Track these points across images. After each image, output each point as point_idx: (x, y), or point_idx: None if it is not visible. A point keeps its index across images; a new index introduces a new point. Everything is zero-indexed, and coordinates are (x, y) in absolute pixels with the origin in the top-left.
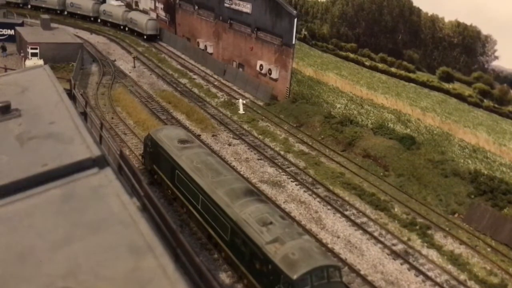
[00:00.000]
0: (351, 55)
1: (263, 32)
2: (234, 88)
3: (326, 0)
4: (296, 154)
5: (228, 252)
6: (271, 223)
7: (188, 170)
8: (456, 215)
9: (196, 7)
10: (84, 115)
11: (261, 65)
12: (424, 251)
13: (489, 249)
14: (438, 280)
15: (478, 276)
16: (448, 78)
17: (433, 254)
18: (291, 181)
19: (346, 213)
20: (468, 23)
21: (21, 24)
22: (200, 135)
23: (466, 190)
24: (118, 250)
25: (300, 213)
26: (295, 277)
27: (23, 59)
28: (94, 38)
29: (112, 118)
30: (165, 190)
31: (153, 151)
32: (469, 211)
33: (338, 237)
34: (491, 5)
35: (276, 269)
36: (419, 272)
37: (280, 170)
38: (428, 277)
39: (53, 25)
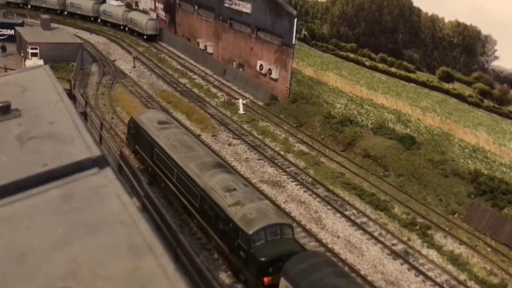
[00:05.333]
0: (351, 55)
1: (263, 32)
2: (234, 88)
3: (326, 0)
4: (296, 154)
5: (198, 218)
6: (234, 189)
7: (165, 147)
8: (456, 215)
9: (196, 7)
10: (84, 115)
11: (261, 65)
12: (424, 251)
13: (489, 249)
14: (438, 280)
15: (478, 276)
16: (448, 78)
17: (433, 254)
18: (291, 181)
19: (346, 213)
20: (468, 23)
21: (21, 24)
22: (200, 135)
23: (466, 190)
24: (118, 250)
25: (300, 213)
26: (250, 232)
27: (23, 59)
28: (94, 38)
29: (112, 118)
30: (146, 168)
31: (135, 133)
32: (469, 211)
33: (338, 237)
34: (491, 5)
35: (236, 226)
36: (419, 272)
37: (280, 170)
38: (428, 277)
39: (53, 25)
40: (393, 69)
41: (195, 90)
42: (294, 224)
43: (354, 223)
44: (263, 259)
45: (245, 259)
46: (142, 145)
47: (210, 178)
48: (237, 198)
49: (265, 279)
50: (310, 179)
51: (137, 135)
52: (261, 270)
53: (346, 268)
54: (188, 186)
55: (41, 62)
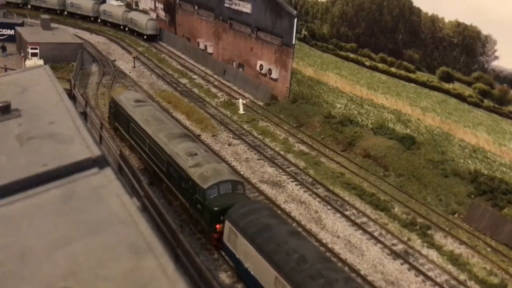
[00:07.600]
0: (351, 55)
1: (263, 32)
2: (234, 88)
3: (326, 0)
4: (296, 154)
5: (166, 181)
6: (196, 154)
7: (139, 122)
8: (456, 215)
9: (196, 7)
10: (84, 115)
11: (261, 65)
12: (424, 251)
13: (489, 249)
14: (438, 280)
15: (478, 276)
16: (448, 78)
17: (433, 254)
18: (291, 181)
19: (346, 213)
20: (468, 23)
21: (21, 24)
22: (200, 135)
23: (466, 190)
24: (118, 250)
25: (300, 213)
26: (205, 187)
27: (23, 59)
28: (94, 38)
29: None
30: (124, 142)
31: (115, 111)
32: (469, 211)
33: (338, 237)
34: (491, 5)
35: (194, 183)
36: (419, 272)
37: (280, 170)
38: (428, 277)
39: (53, 25)
40: (393, 69)
41: (195, 90)
42: (294, 224)
43: (354, 223)
44: (215, 209)
45: (201, 210)
46: (120, 122)
47: (176, 145)
48: (197, 161)
49: (217, 226)
50: (310, 179)
51: (116, 113)
52: (213, 218)
53: (346, 268)
54: (158, 153)
55: (41, 62)
